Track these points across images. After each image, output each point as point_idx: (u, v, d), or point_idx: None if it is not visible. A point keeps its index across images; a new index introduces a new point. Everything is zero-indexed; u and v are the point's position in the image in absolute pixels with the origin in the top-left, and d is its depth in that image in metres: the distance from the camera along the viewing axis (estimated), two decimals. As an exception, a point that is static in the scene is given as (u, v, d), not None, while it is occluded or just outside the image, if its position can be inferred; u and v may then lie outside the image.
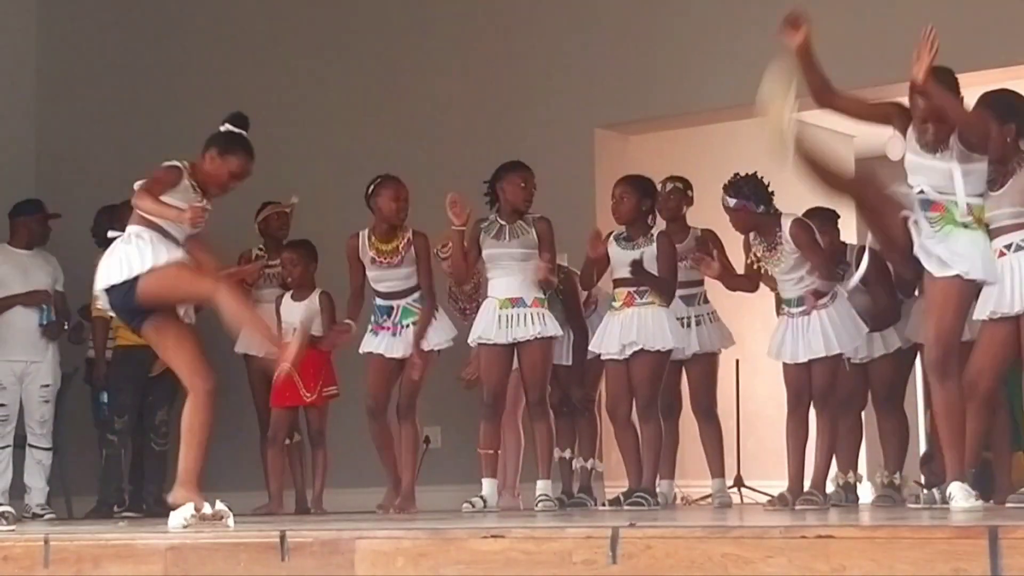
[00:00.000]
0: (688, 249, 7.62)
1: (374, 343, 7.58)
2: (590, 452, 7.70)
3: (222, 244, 8.76)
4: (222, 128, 6.00)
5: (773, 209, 6.76)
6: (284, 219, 8.96)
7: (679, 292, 7.41)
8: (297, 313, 8.20)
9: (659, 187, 7.70)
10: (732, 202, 6.71)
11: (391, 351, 7.53)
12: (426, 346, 7.49)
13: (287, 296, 8.48)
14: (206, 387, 5.77)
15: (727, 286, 7.30)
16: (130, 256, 5.73)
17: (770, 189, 6.78)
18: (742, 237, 6.90)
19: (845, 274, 7.20)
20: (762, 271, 6.83)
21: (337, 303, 8.27)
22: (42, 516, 8.69)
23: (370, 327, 7.63)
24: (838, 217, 7.51)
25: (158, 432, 8.75)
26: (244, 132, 6.03)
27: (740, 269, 7.20)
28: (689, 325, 7.62)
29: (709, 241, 7.64)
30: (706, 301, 7.78)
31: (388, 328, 7.54)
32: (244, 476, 8.82)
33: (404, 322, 7.53)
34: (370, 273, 7.58)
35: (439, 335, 7.54)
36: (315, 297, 8.39)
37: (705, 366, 7.74)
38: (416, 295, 7.55)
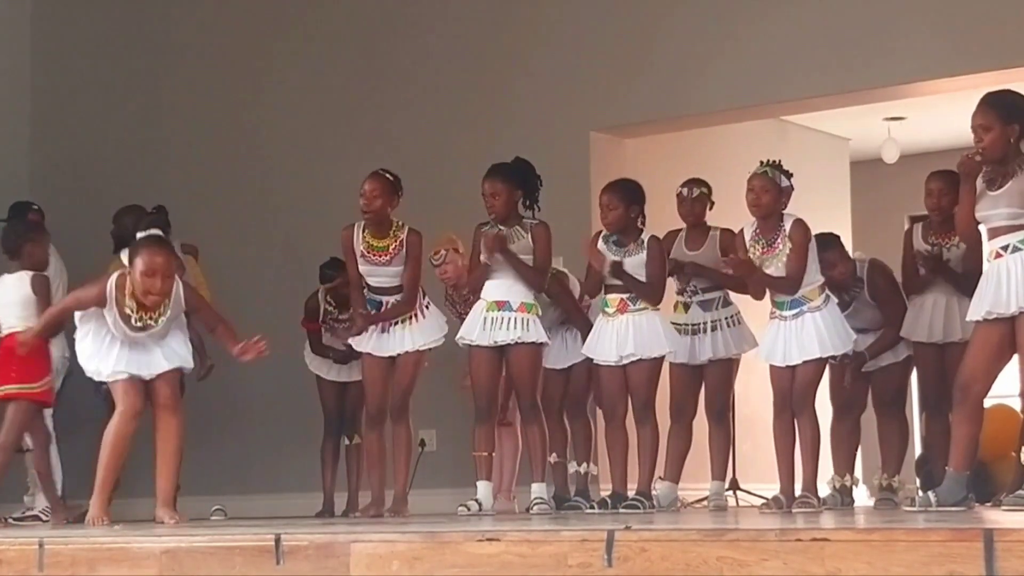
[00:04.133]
0: (712, 256, 7.44)
1: (363, 339, 7.40)
2: (585, 456, 7.68)
3: (275, 294, 8.85)
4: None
5: None
6: None
7: (698, 298, 7.38)
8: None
9: (685, 191, 7.52)
10: (786, 183, 6.63)
11: (380, 349, 7.37)
12: (414, 346, 7.37)
13: None
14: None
15: (753, 289, 6.91)
16: (96, 356, 6.59)
17: None
18: (735, 238, 6.85)
19: (858, 295, 7.14)
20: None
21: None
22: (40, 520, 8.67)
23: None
24: (838, 239, 7.38)
25: None
26: (156, 231, 6.48)
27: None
28: (706, 331, 7.45)
29: (730, 239, 7.41)
30: (725, 305, 7.53)
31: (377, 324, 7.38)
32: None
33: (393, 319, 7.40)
34: (361, 267, 7.37)
35: (428, 334, 7.40)
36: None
37: (722, 370, 7.57)
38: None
